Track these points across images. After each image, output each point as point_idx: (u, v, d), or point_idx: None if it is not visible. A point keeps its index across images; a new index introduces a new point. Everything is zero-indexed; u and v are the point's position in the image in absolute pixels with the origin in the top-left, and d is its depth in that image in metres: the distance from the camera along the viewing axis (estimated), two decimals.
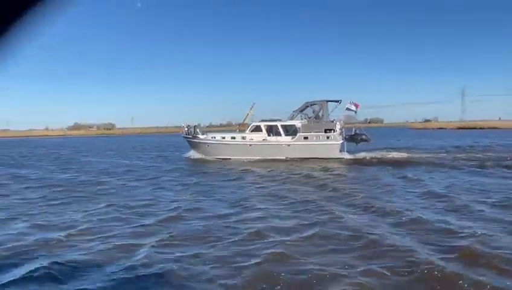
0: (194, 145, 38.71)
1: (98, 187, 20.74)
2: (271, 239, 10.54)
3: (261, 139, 35.61)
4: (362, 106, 35.85)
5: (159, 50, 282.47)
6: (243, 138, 36.23)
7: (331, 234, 10.97)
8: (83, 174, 27.65)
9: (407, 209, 13.65)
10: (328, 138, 34.14)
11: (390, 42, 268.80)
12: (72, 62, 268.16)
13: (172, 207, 15.32)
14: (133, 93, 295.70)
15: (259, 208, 14.47)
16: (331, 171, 26.56)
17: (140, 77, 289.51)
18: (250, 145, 35.59)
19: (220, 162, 33.36)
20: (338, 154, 34.03)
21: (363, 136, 35.01)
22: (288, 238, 10.66)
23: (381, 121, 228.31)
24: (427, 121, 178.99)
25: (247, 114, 38.52)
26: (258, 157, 34.78)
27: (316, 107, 35.92)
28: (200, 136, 38.11)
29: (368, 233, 10.76)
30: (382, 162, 30.45)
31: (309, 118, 35.97)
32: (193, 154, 38.49)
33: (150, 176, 25.34)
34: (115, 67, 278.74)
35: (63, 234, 11.46)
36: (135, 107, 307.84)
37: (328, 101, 35.75)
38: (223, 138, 37.21)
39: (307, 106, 36.20)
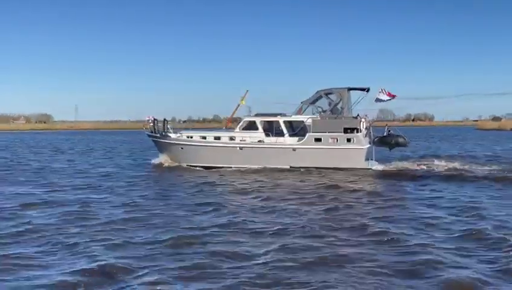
0: (162, 147, 29.01)
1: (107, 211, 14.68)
2: None
3: (256, 140, 26.74)
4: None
5: (112, 24, 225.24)
6: (231, 138, 27.24)
7: None
8: (59, 189, 19.58)
9: None
10: (349, 140, 25.33)
11: (440, 17, 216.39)
12: None
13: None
14: (78, 76, 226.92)
15: None
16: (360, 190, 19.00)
17: (87, 57, 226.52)
18: (241, 148, 26.71)
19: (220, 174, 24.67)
20: (363, 164, 25.44)
21: (399, 139, 26.02)
22: None
23: (431, 118, 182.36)
24: (496, 118, 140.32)
25: (238, 105, 28.77)
26: (251, 166, 26.06)
27: (333, 97, 26.75)
28: (172, 135, 28.26)
29: None
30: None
31: (323, 111, 26.92)
32: (162, 159, 28.47)
33: (171, 194, 18.31)
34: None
35: None
36: (81, 94, 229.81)
37: (350, 89, 26.57)
38: (204, 138, 28.04)
39: (320, 96, 27.04)
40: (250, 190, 19.14)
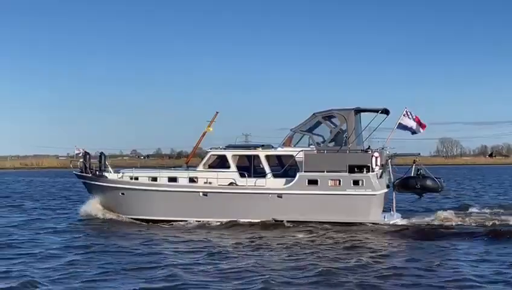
0: (96, 190, 21.68)
1: None
2: None
3: (227, 182, 19.80)
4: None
5: None
6: (192, 180, 20.08)
7: None
8: None
9: None
10: (356, 182, 18.49)
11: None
12: None
13: None
14: None
15: None
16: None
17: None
18: (205, 194, 19.53)
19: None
20: (377, 217, 18.70)
21: (427, 182, 18.83)
22: None
23: None
24: None
25: (204, 133, 21.99)
26: (218, 219, 19.36)
27: (336, 122, 19.83)
28: (110, 175, 20.94)
29: None
30: None
31: (322, 142, 19.81)
32: (93, 208, 21.02)
33: None
34: None
35: None
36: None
37: (359, 111, 19.66)
38: (154, 179, 20.62)
39: (318, 122, 19.95)
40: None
